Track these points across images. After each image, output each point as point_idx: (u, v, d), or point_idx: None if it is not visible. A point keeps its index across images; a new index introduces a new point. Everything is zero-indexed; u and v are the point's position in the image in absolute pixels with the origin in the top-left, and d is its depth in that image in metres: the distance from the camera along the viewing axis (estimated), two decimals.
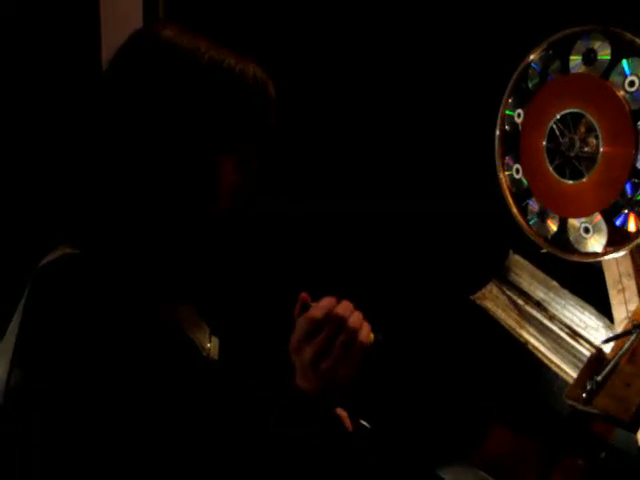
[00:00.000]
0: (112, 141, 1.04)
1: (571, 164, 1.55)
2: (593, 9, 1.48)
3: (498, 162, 1.69)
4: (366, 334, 1.04)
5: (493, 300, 1.76)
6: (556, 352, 1.66)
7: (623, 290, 1.53)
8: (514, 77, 1.63)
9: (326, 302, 1.03)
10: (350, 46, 1.88)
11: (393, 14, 1.85)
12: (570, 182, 1.55)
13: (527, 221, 1.66)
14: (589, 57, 1.48)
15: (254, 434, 0.98)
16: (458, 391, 1.68)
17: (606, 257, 1.52)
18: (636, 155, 1.44)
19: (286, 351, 1.04)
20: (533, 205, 1.65)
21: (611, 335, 1.57)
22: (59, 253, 1.01)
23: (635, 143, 1.43)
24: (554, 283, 1.68)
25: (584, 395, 1.30)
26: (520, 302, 1.73)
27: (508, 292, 1.75)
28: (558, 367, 1.65)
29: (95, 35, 1.82)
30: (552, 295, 1.68)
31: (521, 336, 1.71)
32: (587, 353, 1.60)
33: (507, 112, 1.66)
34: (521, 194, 1.67)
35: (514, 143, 1.66)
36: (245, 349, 1.23)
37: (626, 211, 1.48)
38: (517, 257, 1.75)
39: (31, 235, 1.51)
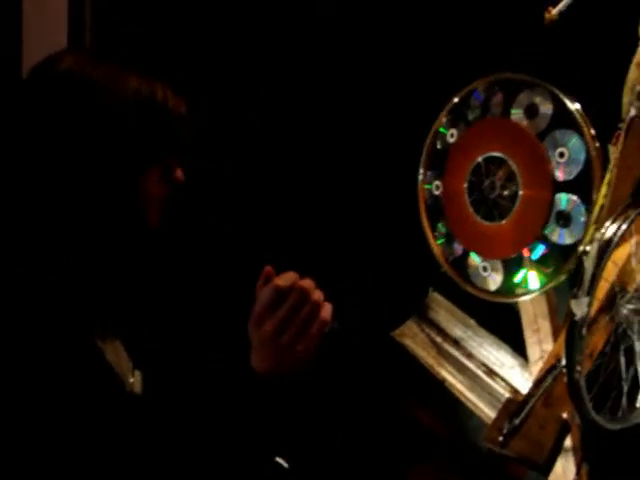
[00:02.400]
0: (29, 174, 1.03)
1: (488, 205, 1.59)
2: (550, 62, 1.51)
3: (421, 170, 1.69)
4: (327, 311, 1.03)
5: (412, 337, 1.78)
6: (472, 390, 1.69)
7: (538, 330, 1.58)
8: (456, 99, 1.63)
9: (291, 274, 1.03)
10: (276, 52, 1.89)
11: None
12: (482, 220, 1.59)
13: (435, 237, 1.68)
14: (531, 111, 1.51)
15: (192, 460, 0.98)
16: (378, 429, 1.69)
17: (494, 299, 1.58)
18: (546, 223, 1.49)
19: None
20: (443, 226, 1.68)
21: (525, 374, 1.62)
22: None
23: (548, 212, 1.48)
24: (472, 321, 1.72)
25: (501, 438, 1.32)
26: (438, 340, 1.76)
27: (427, 330, 1.78)
28: (474, 405, 1.68)
29: (17, 60, 1.79)
30: (470, 333, 1.72)
31: (439, 374, 1.74)
32: (503, 391, 1.64)
33: (441, 129, 1.67)
34: (435, 211, 1.69)
35: (440, 160, 1.67)
36: (169, 383, 1.21)
37: (525, 270, 1.54)
38: (436, 295, 1.78)
39: None
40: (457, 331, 1.73)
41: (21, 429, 0.93)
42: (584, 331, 1.22)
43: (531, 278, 1.52)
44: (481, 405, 1.66)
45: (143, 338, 1.21)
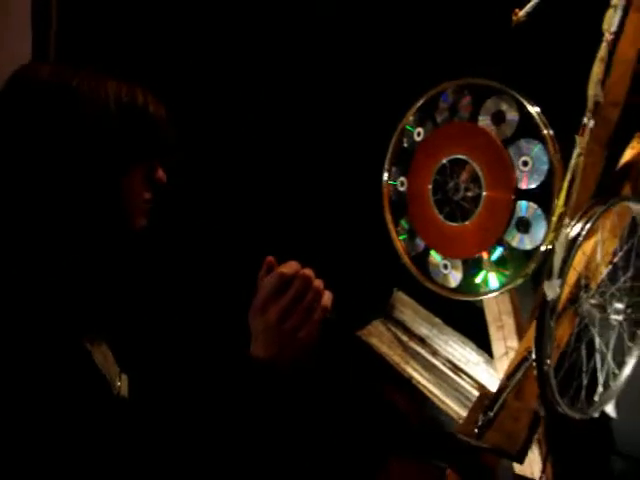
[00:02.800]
0: (12, 179, 1.02)
1: (452, 206, 1.62)
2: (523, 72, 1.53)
3: (386, 166, 1.71)
4: (327, 299, 1.05)
5: (378, 336, 1.80)
6: (439, 386, 1.72)
7: (502, 327, 1.61)
8: (424, 98, 1.65)
9: (293, 263, 1.05)
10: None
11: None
12: (445, 220, 1.62)
13: (398, 233, 1.71)
14: (497, 118, 1.54)
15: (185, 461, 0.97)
16: (349, 429, 1.69)
17: (454, 297, 1.61)
18: (506, 228, 1.53)
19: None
20: (405, 223, 1.71)
21: (490, 369, 1.66)
22: None
23: (509, 217, 1.51)
24: (437, 320, 1.75)
25: (476, 431, 1.35)
26: (404, 338, 1.78)
27: (393, 329, 1.80)
28: (441, 401, 1.71)
29: None
30: (435, 331, 1.75)
31: (405, 371, 1.76)
32: (468, 387, 1.67)
33: (407, 127, 1.69)
34: (399, 207, 1.71)
35: (406, 158, 1.69)
36: (155, 387, 1.21)
37: (485, 271, 1.57)
38: (401, 294, 1.80)
39: None
40: (422, 329, 1.76)
41: (6, 431, 0.91)
42: (554, 318, 1.25)
43: (491, 279, 1.56)
44: (447, 401, 1.69)
45: (130, 341, 1.20)
